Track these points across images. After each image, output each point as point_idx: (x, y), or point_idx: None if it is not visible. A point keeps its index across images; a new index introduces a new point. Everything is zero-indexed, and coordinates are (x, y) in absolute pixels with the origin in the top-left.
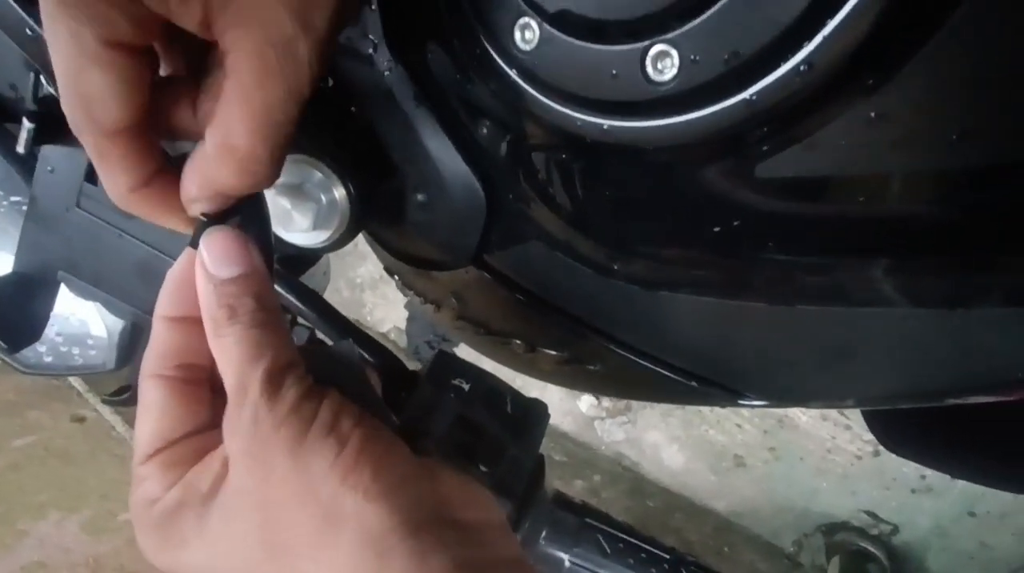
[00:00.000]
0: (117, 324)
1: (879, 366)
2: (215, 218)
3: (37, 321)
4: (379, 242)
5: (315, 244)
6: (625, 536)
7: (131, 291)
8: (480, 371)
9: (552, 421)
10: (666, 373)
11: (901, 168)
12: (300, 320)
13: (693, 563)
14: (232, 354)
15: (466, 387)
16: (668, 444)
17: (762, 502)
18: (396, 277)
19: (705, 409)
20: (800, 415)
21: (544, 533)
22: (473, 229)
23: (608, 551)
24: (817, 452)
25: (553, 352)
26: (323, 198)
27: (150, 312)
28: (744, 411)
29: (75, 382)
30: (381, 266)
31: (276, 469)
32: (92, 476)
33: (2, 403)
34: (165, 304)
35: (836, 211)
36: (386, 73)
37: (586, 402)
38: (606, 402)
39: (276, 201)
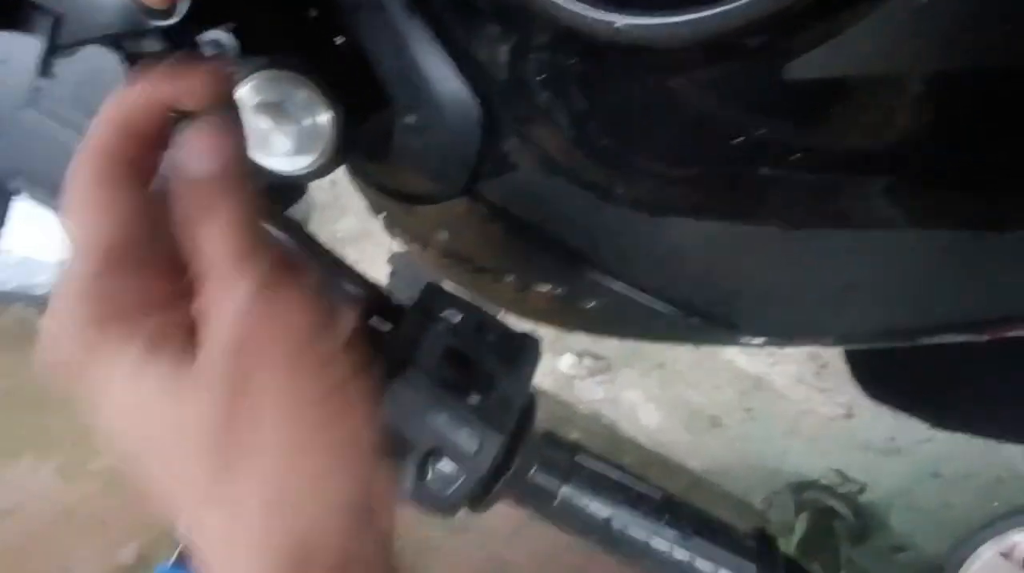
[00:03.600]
0: None
1: (875, 300)
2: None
3: None
4: (364, 177)
5: (295, 171)
6: (616, 474)
7: None
8: (470, 304)
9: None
10: (665, 308)
11: (940, 67)
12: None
13: (682, 502)
14: (231, 226)
15: (456, 319)
16: (645, 403)
17: (735, 461)
18: (382, 215)
19: (683, 369)
20: (776, 377)
21: (534, 469)
22: (467, 154)
23: (599, 488)
24: (791, 413)
25: (547, 288)
26: (305, 120)
27: None
28: (722, 372)
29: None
30: (363, 220)
31: (261, 366)
32: (64, 422)
33: None
34: (119, 108)
35: (860, 121)
36: None
37: (566, 361)
38: (586, 361)
39: (254, 121)
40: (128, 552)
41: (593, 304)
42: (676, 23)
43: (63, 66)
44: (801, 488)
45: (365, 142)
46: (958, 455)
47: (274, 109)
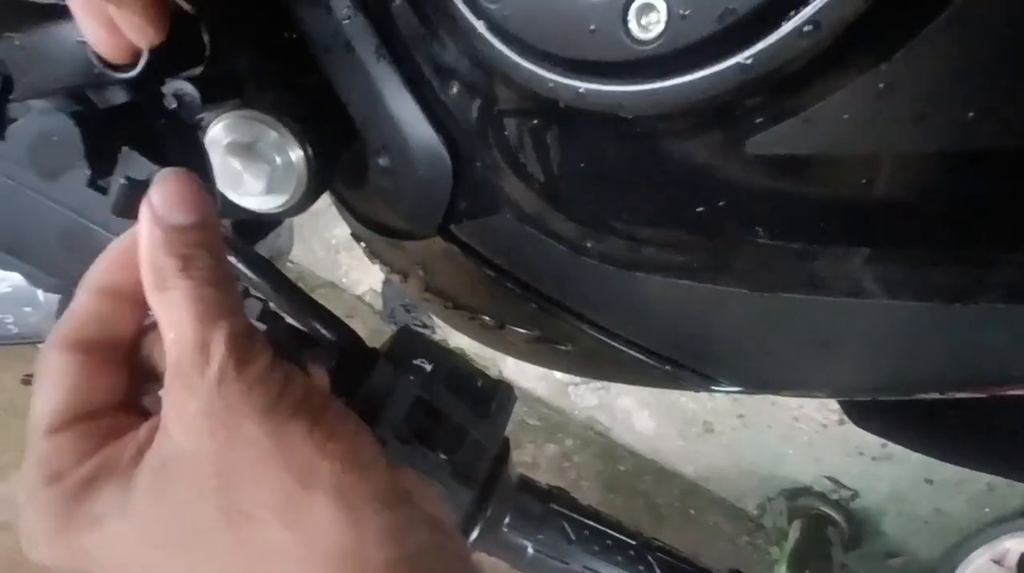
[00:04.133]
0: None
1: (853, 359)
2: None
3: None
4: (345, 207)
5: (269, 209)
6: (591, 522)
7: (54, 261)
8: (443, 351)
9: (527, 386)
10: (638, 356)
11: (907, 148)
12: (253, 292)
13: (660, 548)
14: (185, 310)
15: (428, 368)
16: (639, 409)
17: (729, 467)
18: (363, 244)
19: None
20: None
21: (507, 520)
22: (439, 197)
23: (573, 538)
24: (784, 420)
25: (522, 330)
26: (278, 159)
27: (75, 284)
28: None
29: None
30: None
31: (243, 432)
32: None
33: None
34: (98, 273)
35: (829, 194)
36: (345, 22)
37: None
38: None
39: (226, 162)
40: None
41: (569, 348)
42: (638, 92)
43: (16, 127)
44: (795, 495)
45: (340, 178)
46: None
47: (246, 149)
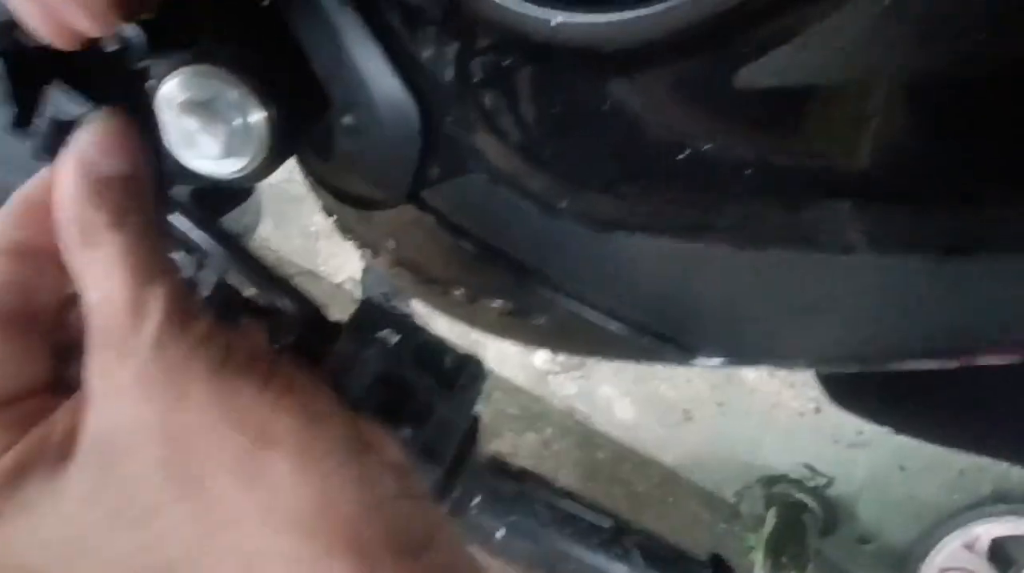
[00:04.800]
0: None
1: (841, 324)
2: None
3: None
4: (312, 177)
5: (226, 174)
6: (565, 504)
7: None
8: (411, 323)
9: (506, 374)
10: (616, 327)
11: (910, 74)
12: (208, 262)
13: (638, 531)
14: (116, 268)
15: (393, 340)
16: (620, 398)
17: (707, 455)
18: (335, 217)
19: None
20: (748, 371)
21: (476, 500)
22: (408, 158)
23: (546, 520)
24: (762, 408)
25: (495, 303)
26: (237, 120)
27: None
28: (697, 367)
29: None
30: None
31: (189, 395)
32: None
33: None
34: (6, 229)
35: (819, 135)
36: None
37: (541, 356)
38: (560, 357)
39: (180, 121)
40: None
41: (543, 321)
42: (616, 21)
43: None
44: (772, 482)
45: (306, 143)
46: (924, 449)
47: (202, 108)
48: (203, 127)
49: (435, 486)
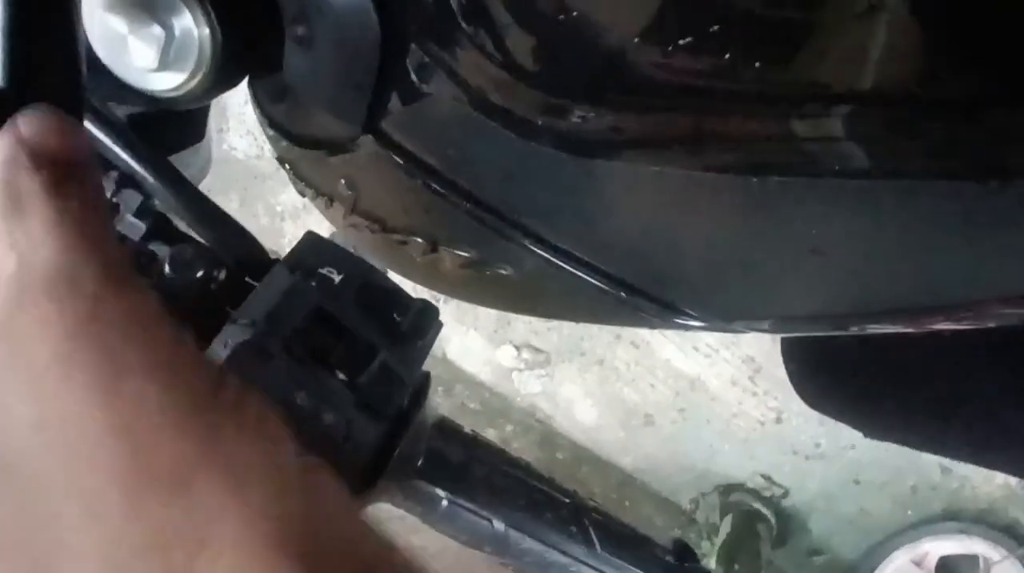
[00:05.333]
0: None
1: (808, 278)
2: None
3: None
4: (267, 119)
5: (162, 90)
6: (519, 475)
7: None
8: (359, 261)
9: (470, 370)
10: (590, 279)
11: None
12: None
13: (595, 508)
14: (51, 236)
15: (336, 278)
16: (582, 399)
17: (666, 460)
18: (286, 167)
19: (622, 367)
20: (711, 379)
21: (420, 463)
22: (364, 76)
23: (498, 489)
24: (724, 416)
25: (458, 252)
26: (175, 25)
27: None
28: (659, 371)
29: None
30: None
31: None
32: None
33: None
34: None
35: (820, 37)
36: None
37: (507, 353)
38: (526, 354)
39: (107, 22)
40: None
41: (509, 273)
42: None
43: None
44: (728, 490)
45: (257, 75)
46: (878, 464)
47: (135, 9)
48: (134, 30)
49: (373, 446)
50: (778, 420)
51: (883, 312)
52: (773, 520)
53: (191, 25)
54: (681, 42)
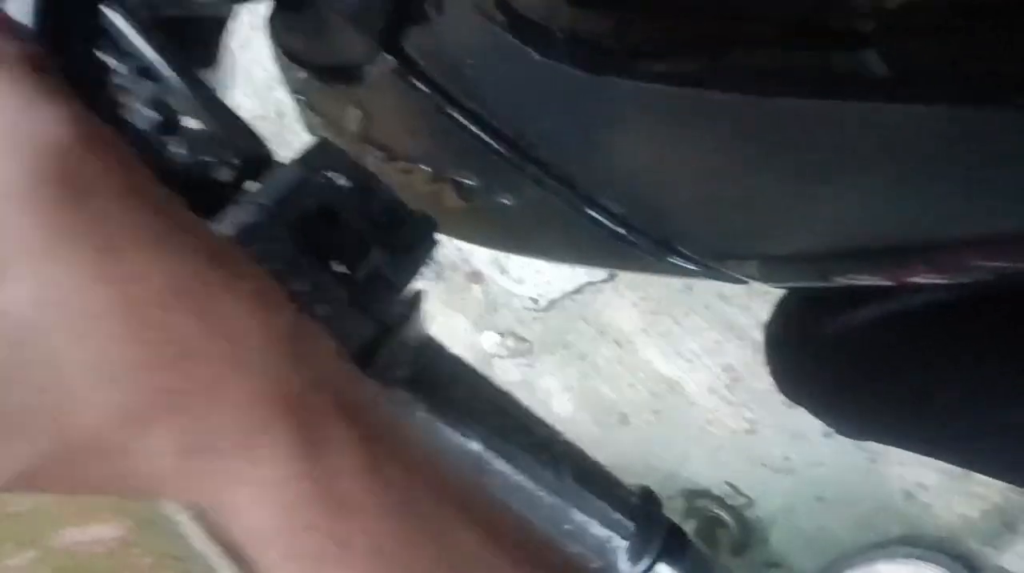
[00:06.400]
0: None
1: (796, 215)
2: None
3: None
4: (285, 49)
5: None
6: (498, 397)
7: None
8: (366, 171)
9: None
10: (590, 211)
11: None
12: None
13: (567, 442)
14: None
15: (343, 183)
16: (560, 392)
17: (636, 460)
18: (299, 98)
19: (603, 364)
20: (690, 383)
21: (403, 372)
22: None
23: (474, 410)
24: (698, 421)
25: (461, 180)
26: None
27: None
28: (639, 371)
29: None
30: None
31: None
32: None
33: None
34: None
35: None
36: None
37: (488, 339)
38: (509, 341)
39: None
40: None
41: (510, 203)
42: None
43: None
44: (694, 495)
45: (280, 16)
46: (844, 484)
47: None
48: None
49: (359, 342)
50: (751, 431)
51: (864, 254)
52: (735, 528)
53: None
54: None
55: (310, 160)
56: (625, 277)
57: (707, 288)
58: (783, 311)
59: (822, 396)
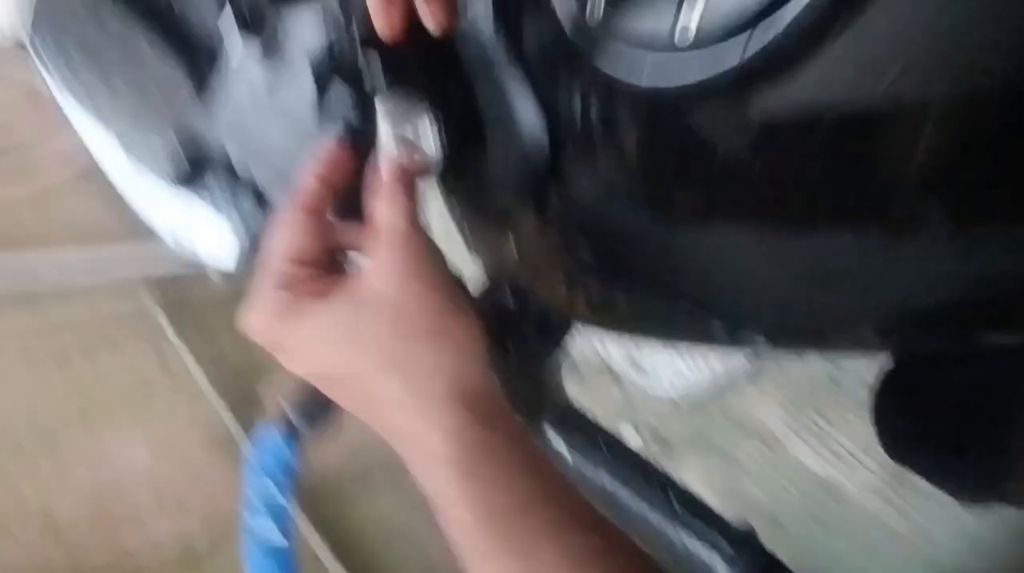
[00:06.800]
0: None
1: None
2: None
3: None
4: (458, 195)
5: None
6: (625, 446)
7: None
8: (523, 288)
9: None
10: (685, 304)
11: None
12: None
13: (679, 483)
14: (398, 209)
15: (509, 296)
16: (704, 491)
17: (796, 567)
18: (465, 228)
19: (748, 462)
20: (847, 484)
21: (552, 415)
22: (536, 168)
23: (605, 451)
24: (861, 527)
25: (588, 292)
26: (427, 129)
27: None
28: (789, 471)
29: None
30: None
31: (415, 282)
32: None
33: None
34: (319, 172)
35: (877, 151)
36: (488, 37)
37: (625, 433)
38: (646, 436)
39: (388, 132)
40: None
41: (623, 302)
42: (691, 83)
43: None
44: None
45: (460, 151)
46: None
47: (404, 123)
48: (407, 134)
49: (524, 396)
50: (926, 539)
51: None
52: None
53: (430, 123)
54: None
55: (494, 288)
56: (767, 373)
57: (854, 380)
58: (886, 375)
59: (928, 459)
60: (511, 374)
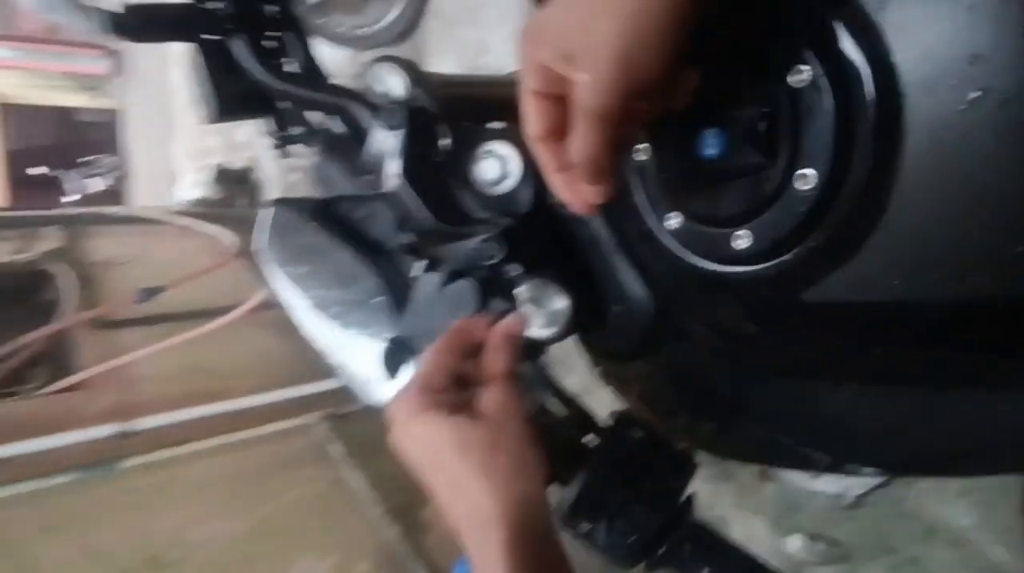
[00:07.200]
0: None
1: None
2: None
3: None
4: (586, 342)
5: (544, 337)
6: (747, 558)
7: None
8: (649, 428)
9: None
10: (786, 440)
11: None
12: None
13: None
14: (505, 364)
15: (637, 436)
16: None
17: None
18: (598, 368)
19: (938, 569)
20: None
21: (688, 547)
22: (644, 329)
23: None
24: None
25: (707, 425)
26: (553, 307)
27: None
28: None
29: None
30: (585, 379)
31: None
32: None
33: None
34: (454, 341)
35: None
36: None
37: (794, 544)
38: (819, 546)
39: (525, 308)
40: None
41: (739, 438)
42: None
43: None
44: None
45: (586, 321)
46: None
47: (536, 300)
48: (535, 311)
49: (654, 531)
50: None
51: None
52: None
53: (560, 307)
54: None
55: (622, 420)
56: None
57: None
58: None
59: None
60: (640, 503)
